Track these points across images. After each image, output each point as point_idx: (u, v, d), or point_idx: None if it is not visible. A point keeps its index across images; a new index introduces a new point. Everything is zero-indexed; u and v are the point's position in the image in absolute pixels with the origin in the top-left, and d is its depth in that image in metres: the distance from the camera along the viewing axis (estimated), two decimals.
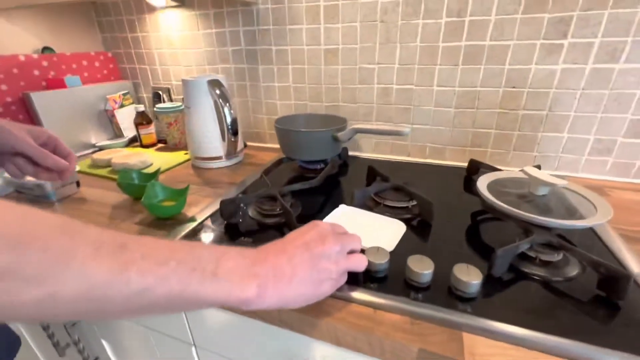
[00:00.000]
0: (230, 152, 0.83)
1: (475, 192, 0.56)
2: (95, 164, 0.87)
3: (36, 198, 0.69)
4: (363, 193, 0.60)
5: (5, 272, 0.19)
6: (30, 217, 0.21)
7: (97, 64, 1.07)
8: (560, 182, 0.50)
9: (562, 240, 0.44)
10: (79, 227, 0.23)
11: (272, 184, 0.66)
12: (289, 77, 0.91)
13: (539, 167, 0.64)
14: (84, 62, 1.03)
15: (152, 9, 0.98)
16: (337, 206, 0.60)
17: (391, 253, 0.45)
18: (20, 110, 0.89)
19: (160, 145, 1.06)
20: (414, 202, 0.59)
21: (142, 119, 1.01)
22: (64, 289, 0.20)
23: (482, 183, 0.57)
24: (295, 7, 0.82)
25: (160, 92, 1.07)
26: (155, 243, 0.26)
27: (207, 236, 0.54)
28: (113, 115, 1.04)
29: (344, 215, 0.57)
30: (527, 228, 0.47)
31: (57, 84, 0.92)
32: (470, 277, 0.39)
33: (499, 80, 0.73)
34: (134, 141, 1.07)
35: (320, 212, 0.61)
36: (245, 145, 1.03)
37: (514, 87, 0.73)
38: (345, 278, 0.38)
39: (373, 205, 0.61)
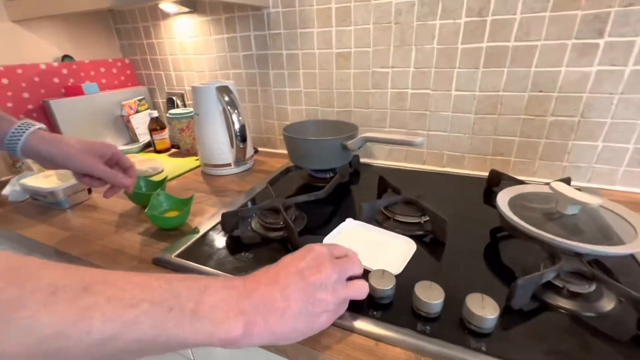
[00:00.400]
0: (239, 159, 0.82)
1: (495, 202, 0.51)
2: None
3: (49, 205, 0.70)
4: (372, 207, 0.56)
5: None
6: None
7: (114, 70, 1.09)
8: (594, 201, 0.44)
9: (595, 269, 0.39)
10: (33, 269, 0.20)
11: (278, 193, 0.64)
12: (299, 82, 0.89)
13: (568, 180, 0.58)
14: (102, 69, 1.06)
15: (166, 15, 0.99)
16: (344, 219, 0.56)
17: (398, 277, 0.41)
18: (40, 117, 0.92)
19: (173, 150, 1.07)
20: (427, 218, 0.55)
21: (156, 125, 1.02)
22: (10, 345, 0.18)
23: (503, 198, 0.52)
24: (306, 10, 0.80)
25: (174, 98, 1.08)
26: (127, 281, 0.23)
27: (207, 250, 0.52)
28: (129, 121, 1.05)
29: (350, 231, 0.54)
30: (554, 252, 0.42)
31: (75, 91, 0.94)
32: (485, 310, 0.34)
33: (524, 84, 0.67)
34: (148, 146, 1.08)
35: (325, 225, 0.58)
36: (256, 151, 1.02)
37: (540, 92, 0.67)
38: (344, 308, 0.36)
39: (382, 219, 0.57)
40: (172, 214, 0.63)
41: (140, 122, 1.07)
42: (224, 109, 0.78)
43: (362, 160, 0.88)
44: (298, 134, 0.77)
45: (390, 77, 0.78)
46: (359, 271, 0.37)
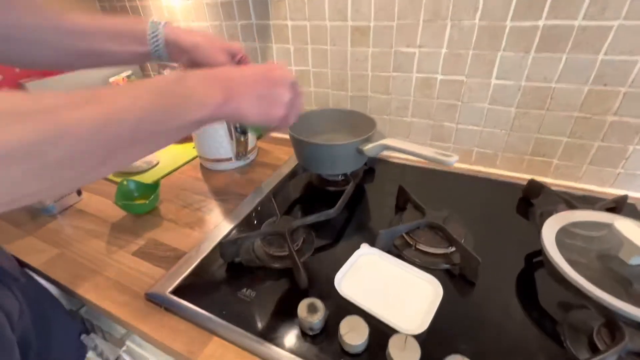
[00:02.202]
0: (240, 154, 0.73)
1: (532, 218, 0.44)
2: None
3: (38, 211, 0.64)
4: (391, 234, 0.49)
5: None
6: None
7: None
8: None
9: None
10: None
11: (283, 205, 0.57)
12: (308, 59, 0.76)
13: (624, 200, 0.49)
14: None
15: None
16: (357, 241, 0.50)
17: (423, 340, 0.35)
18: None
19: None
20: (454, 249, 0.47)
21: None
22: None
23: (549, 232, 0.44)
24: None
25: (166, 73, 0.96)
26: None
27: (205, 284, 0.47)
28: None
29: (366, 262, 0.47)
30: (613, 320, 0.35)
31: (52, 70, 0.83)
32: None
33: (585, 76, 0.54)
34: None
35: (337, 246, 0.51)
36: (261, 136, 0.92)
37: (605, 85, 0.54)
38: (293, 114, 0.38)
39: (402, 245, 0.50)
40: (142, 200, 0.65)
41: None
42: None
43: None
44: (305, 128, 0.67)
45: (417, 58, 0.65)
46: (300, 107, 0.40)
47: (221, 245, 0.48)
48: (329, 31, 0.70)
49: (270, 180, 0.70)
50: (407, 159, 0.75)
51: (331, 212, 0.52)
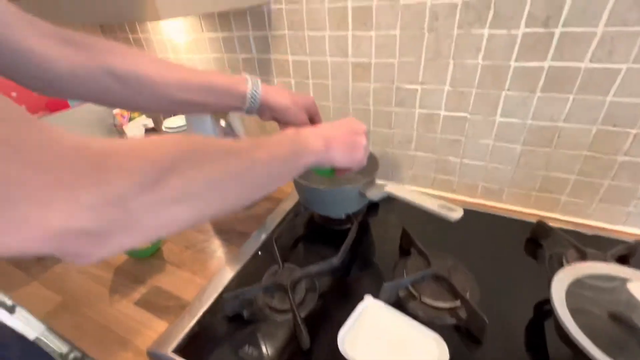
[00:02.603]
0: None
1: (541, 260, 0.44)
2: None
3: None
4: (394, 287, 0.48)
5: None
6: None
7: None
8: None
9: None
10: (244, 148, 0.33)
11: (286, 248, 0.56)
12: (309, 93, 0.75)
13: None
14: None
15: None
16: (361, 295, 0.49)
17: None
18: None
19: None
20: (459, 304, 0.46)
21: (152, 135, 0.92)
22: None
23: (559, 289, 0.42)
24: (315, 8, 0.64)
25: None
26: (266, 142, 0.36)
27: (206, 340, 0.46)
28: (123, 131, 0.96)
29: (370, 315, 0.46)
30: None
31: (59, 104, 0.84)
32: None
33: (593, 116, 0.53)
34: None
35: (339, 293, 0.50)
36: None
37: (615, 126, 0.52)
38: (365, 158, 0.47)
39: (408, 298, 0.49)
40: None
41: (136, 132, 0.98)
42: (221, 136, 0.67)
43: (380, 182, 0.77)
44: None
45: (419, 95, 0.64)
46: (368, 149, 0.49)
47: (223, 301, 0.47)
48: (330, 66, 0.69)
49: (272, 217, 0.69)
50: (413, 189, 0.74)
51: (334, 261, 0.52)
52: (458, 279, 0.49)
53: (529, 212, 0.66)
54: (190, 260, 0.61)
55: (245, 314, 0.49)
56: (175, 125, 0.87)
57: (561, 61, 0.51)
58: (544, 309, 0.47)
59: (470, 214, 0.66)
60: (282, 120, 0.51)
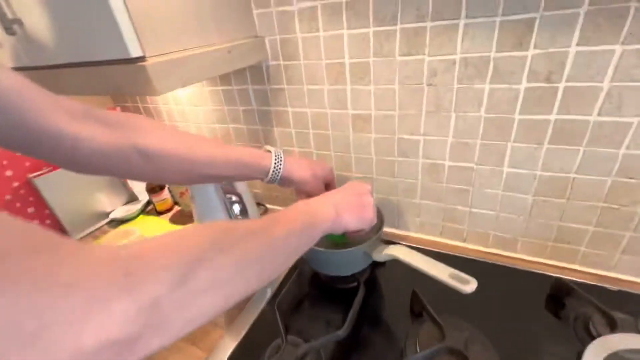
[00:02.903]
0: None
1: (564, 319, 0.43)
2: None
3: None
4: None
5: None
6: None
7: None
8: None
9: None
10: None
11: (289, 303, 0.53)
12: (310, 142, 0.75)
13: None
14: None
15: None
16: None
17: None
18: (30, 193, 0.84)
19: (176, 209, 0.97)
20: None
21: (154, 185, 0.92)
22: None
23: None
24: (313, 64, 0.64)
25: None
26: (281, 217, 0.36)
27: None
28: (125, 180, 0.96)
29: None
30: None
31: None
32: None
33: (607, 168, 0.51)
34: (150, 203, 0.99)
35: None
36: (267, 211, 0.90)
37: (631, 179, 0.50)
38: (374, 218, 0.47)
39: None
40: None
41: (137, 181, 0.97)
42: (224, 205, 0.66)
43: (388, 230, 0.75)
44: None
45: (422, 145, 0.63)
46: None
47: None
48: (330, 118, 0.69)
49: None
50: (419, 243, 0.71)
51: (340, 334, 0.48)
52: (475, 351, 0.45)
53: (547, 262, 0.62)
54: None
55: None
56: None
57: (568, 114, 0.49)
58: None
59: (485, 267, 0.63)
60: (302, 190, 0.54)
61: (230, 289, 0.26)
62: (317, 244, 0.52)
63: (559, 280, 0.53)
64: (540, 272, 0.60)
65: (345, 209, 0.42)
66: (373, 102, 0.62)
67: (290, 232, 0.34)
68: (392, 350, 0.49)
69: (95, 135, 0.38)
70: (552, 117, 0.50)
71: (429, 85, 0.56)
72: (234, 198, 0.65)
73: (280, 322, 0.52)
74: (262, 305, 0.60)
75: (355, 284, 0.61)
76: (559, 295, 0.54)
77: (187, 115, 0.90)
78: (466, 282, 0.42)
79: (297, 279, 0.63)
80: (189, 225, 0.28)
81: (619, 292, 0.54)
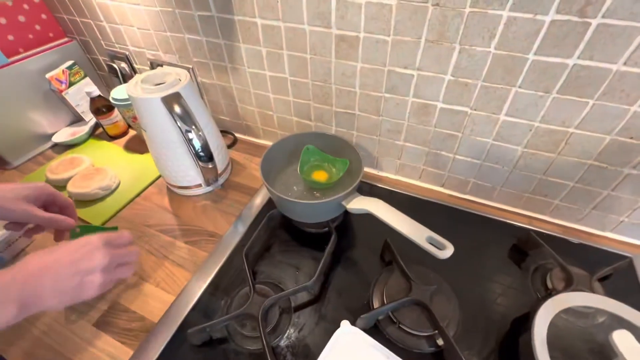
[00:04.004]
0: (211, 180, 0.65)
1: (524, 269, 0.49)
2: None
3: None
4: (372, 317, 0.45)
5: None
6: None
7: (21, 18, 0.77)
8: None
9: None
10: None
11: (259, 248, 0.52)
12: (284, 66, 0.62)
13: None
14: (2, 20, 0.74)
15: None
16: (338, 320, 0.46)
17: None
18: None
19: (132, 133, 0.86)
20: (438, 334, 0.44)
21: (100, 105, 0.78)
22: None
23: (541, 326, 0.40)
24: None
25: (116, 67, 0.80)
26: None
27: None
28: (64, 97, 0.80)
29: (345, 344, 0.44)
30: None
31: None
32: None
33: (611, 125, 0.46)
34: (100, 126, 0.86)
35: (315, 316, 0.48)
36: (235, 142, 0.82)
37: (631, 138, 0.46)
38: (110, 285, 0.39)
39: (386, 323, 0.47)
40: None
41: (80, 98, 0.82)
42: (177, 126, 0.56)
43: (365, 169, 0.70)
44: (281, 162, 0.58)
45: (415, 82, 0.53)
46: (134, 258, 0.42)
47: (189, 335, 0.44)
48: (308, 36, 0.56)
49: (245, 216, 0.63)
50: (396, 186, 0.68)
51: (309, 284, 0.48)
52: (439, 305, 0.46)
53: (518, 212, 0.63)
54: (154, 269, 0.56)
55: (215, 337, 0.46)
56: (121, 97, 0.73)
57: (590, 60, 0.41)
58: (522, 326, 0.47)
59: (458, 213, 0.62)
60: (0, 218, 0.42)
61: None
62: (287, 191, 0.46)
63: (531, 234, 0.54)
64: (510, 221, 0.60)
65: (46, 292, 0.33)
66: (363, 22, 0.50)
67: None
68: (361, 297, 0.50)
69: None
70: (571, 61, 0.42)
71: (434, 5, 0.44)
72: (189, 128, 0.55)
73: (248, 271, 0.50)
74: (230, 248, 0.58)
75: (326, 229, 0.59)
76: (523, 247, 0.55)
77: (128, 16, 0.71)
78: (443, 246, 0.40)
79: (267, 223, 0.60)
80: None
81: (580, 244, 0.56)
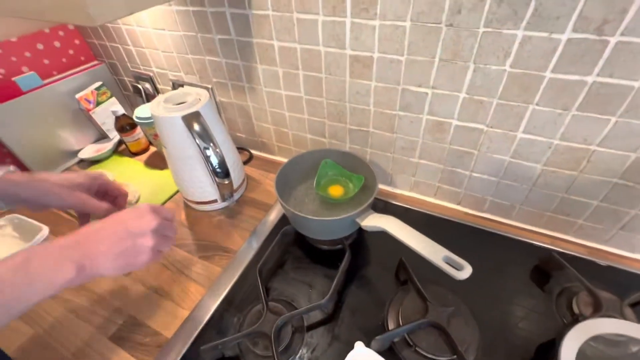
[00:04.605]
0: (226, 195, 0.66)
1: (548, 292, 0.46)
2: None
3: None
4: (386, 339, 0.44)
5: None
6: None
7: (57, 44, 0.82)
8: None
9: None
10: None
11: (272, 265, 0.52)
12: (299, 86, 0.64)
13: None
14: (39, 46, 0.80)
15: None
16: (351, 341, 0.45)
17: None
18: None
19: (152, 150, 0.89)
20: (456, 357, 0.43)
21: (124, 123, 0.82)
22: None
23: (568, 355, 0.38)
24: None
25: (140, 87, 0.84)
26: None
27: None
28: (91, 117, 0.85)
29: None
30: None
31: (9, 90, 0.73)
32: None
33: (636, 143, 0.44)
34: (122, 143, 0.90)
35: (328, 335, 0.47)
36: (251, 158, 0.84)
37: None
38: (159, 257, 0.39)
39: (402, 345, 0.45)
40: None
41: (106, 116, 0.87)
42: (196, 143, 0.58)
43: (380, 185, 0.70)
44: (296, 178, 0.59)
45: (429, 100, 0.54)
46: (173, 235, 0.42)
47: (202, 352, 0.44)
48: (324, 57, 0.57)
49: (259, 232, 0.64)
50: (410, 203, 0.68)
51: (322, 303, 0.47)
52: (457, 329, 0.45)
53: (539, 231, 0.61)
54: (169, 284, 0.57)
55: (228, 355, 0.46)
56: (144, 116, 0.77)
57: (610, 77, 0.41)
58: (547, 354, 0.44)
59: (475, 232, 0.61)
60: (55, 207, 0.44)
61: None
62: (301, 207, 0.46)
63: (553, 255, 0.52)
64: (531, 241, 0.58)
65: (101, 257, 0.34)
66: (377, 42, 0.51)
67: None
68: (375, 317, 0.49)
69: None
70: (591, 78, 0.42)
71: (448, 25, 0.45)
72: (208, 145, 0.57)
73: (262, 288, 0.50)
74: (244, 264, 0.58)
75: (340, 246, 0.58)
76: (546, 268, 0.53)
77: (154, 40, 0.75)
78: (460, 267, 0.39)
79: (281, 239, 0.60)
80: None
81: (608, 267, 0.53)
